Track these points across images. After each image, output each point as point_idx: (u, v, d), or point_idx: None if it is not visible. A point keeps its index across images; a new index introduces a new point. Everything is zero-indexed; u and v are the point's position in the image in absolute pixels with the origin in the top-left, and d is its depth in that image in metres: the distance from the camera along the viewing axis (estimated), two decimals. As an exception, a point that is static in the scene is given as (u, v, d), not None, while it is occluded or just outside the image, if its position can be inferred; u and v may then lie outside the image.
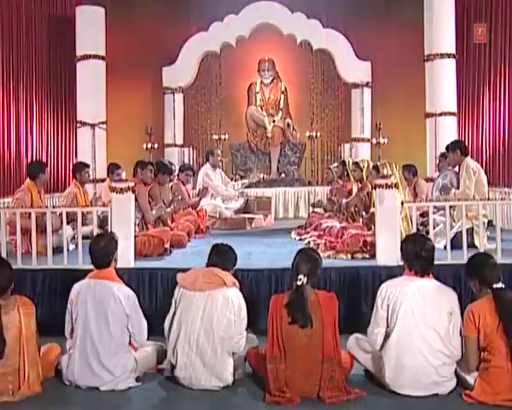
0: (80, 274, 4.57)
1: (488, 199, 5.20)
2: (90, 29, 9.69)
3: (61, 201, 7.35)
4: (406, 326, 3.20)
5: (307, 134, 10.73)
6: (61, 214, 5.96)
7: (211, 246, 3.77)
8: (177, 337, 3.42)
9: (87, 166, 7.64)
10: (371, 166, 5.89)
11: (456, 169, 6.18)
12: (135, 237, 5.02)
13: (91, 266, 4.61)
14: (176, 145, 10.60)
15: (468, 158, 5.78)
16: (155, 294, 4.63)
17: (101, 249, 3.51)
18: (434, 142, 9.60)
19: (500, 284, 3.19)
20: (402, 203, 4.71)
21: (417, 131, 10.20)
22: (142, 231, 5.51)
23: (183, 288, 3.48)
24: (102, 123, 9.83)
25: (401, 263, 4.56)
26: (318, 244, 5.76)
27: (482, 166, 9.49)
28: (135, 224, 5.27)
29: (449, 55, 9.54)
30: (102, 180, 9.35)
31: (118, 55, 10.35)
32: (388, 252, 4.61)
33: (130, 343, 3.53)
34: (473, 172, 5.57)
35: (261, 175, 10.60)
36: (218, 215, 8.37)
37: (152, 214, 5.54)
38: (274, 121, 10.78)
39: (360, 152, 10.41)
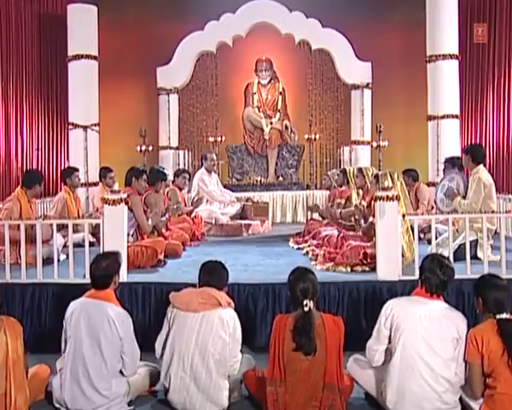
0: (71, 288, 4.60)
1: (492, 212, 5.14)
2: (82, 28, 9.58)
3: (52, 207, 7.31)
4: (409, 349, 3.16)
5: (306, 136, 10.68)
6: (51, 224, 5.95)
7: (201, 263, 3.70)
8: (170, 360, 3.37)
9: (76, 169, 7.61)
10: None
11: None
12: (128, 247, 4.98)
13: (83, 281, 4.63)
14: (171, 148, 10.53)
15: (481, 168, 5.62)
16: (148, 309, 4.59)
17: (103, 270, 3.46)
18: (436, 145, 9.57)
19: (504, 315, 3.13)
20: (403, 216, 4.67)
21: (419, 134, 10.18)
22: (136, 241, 5.46)
23: (177, 308, 3.44)
24: (95, 125, 9.76)
25: (403, 278, 4.60)
26: (317, 255, 5.73)
27: (485, 164, 9.57)
28: (128, 234, 5.23)
29: (451, 56, 9.49)
30: (95, 184, 9.31)
31: (111, 54, 10.29)
32: (389, 267, 4.59)
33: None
34: (484, 186, 5.45)
35: (258, 178, 10.57)
36: (213, 221, 8.33)
37: (148, 225, 5.49)
38: (271, 123, 10.74)
39: (360, 155, 10.38)
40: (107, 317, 3.34)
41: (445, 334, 3.20)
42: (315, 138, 10.66)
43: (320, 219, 7.77)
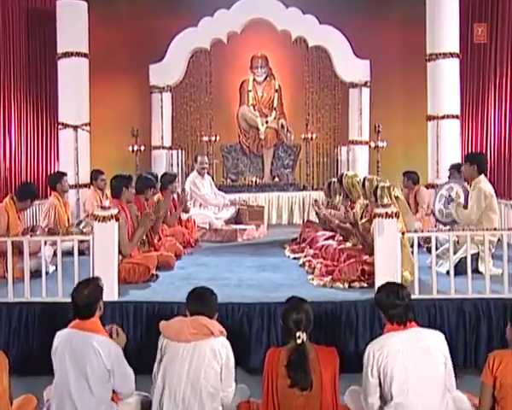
0: (60, 307, 4.54)
1: (495, 229, 5.09)
2: (72, 24, 9.47)
3: (43, 216, 7.22)
4: (402, 389, 3.09)
5: (302, 136, 10.61)
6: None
7: (190, 291, 3.62)
8: (161, 394, 3.31)
9: (65, 174, 7.52)
10: (365, 183, 5.79)
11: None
12: (119, 264, 4.92)
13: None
14: (163, 147, 10.44)
15: (482, 178, 5.55)
16: (140, 329, 4.53)
17: (85, 298, 3.38)
18: (436, 146, 9.52)
19: None
20: (403, 234, 4.61)
21: (418, 134, 10.13)
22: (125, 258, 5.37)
23: (167, 339, 3.37)
24: (85, 125, 9.66)
25: (402, 298, 4.55)
26: (314, 268, 5.68)
27: (486, 173, 9.51)
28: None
29: (452, 55, 9.43)
30: (86, 185, 9.23)
31: (102, 52, 10.16)
32: (388, 286, 4.52)
33: (113, 395, 3.42)
34: (484, 196, 5.40)
35: (253, 179, 10.51)
36: (208, 226, 8.28)
37: (130, 246, 5.33)
38: (267, 122, 10.68)
39: (358, 155, 10.33)
40: (93, 349, 3.27)
41: (431, 361, 3.14)
42: (311, 138, 10.60)
43: (317, 220, 7.69)
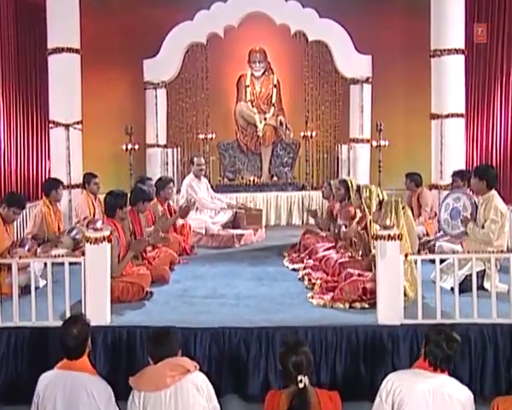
0: (50, 332, 4.47)
1: (502, 251, 5.00)
2: (63, 18, 9.21)
3: (30, 223, 7.12)
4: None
5: (301, 134, 10.50)
6: (29, 250, 5.78)
7: (147, 337, 3.56)
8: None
9: (61, 183, 7.40)
10: (365, 192, 5.69)
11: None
12: (111, 283, 4.83)
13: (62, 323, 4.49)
14: (158, 145, 10.32)
15: (495, 194, 5.44)
16: (134, 355, 4.45)
17: (75, 338, 3.31)
18: (440, 146, 9.40)
19: None
20: (406, 256, 4.53)
21: (421, 133, 10.02)
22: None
23: (145, 391, 3.25)
24: (77, 123, 9.49)
25: (405, 322, 4.49)
26: (314, 284, 5.62)
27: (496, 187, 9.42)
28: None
29: (457, 51, 9.28)
30: (78, 185, 9.11)
31: (94, 47, 10.01)
32: (390, 310, 4.46)
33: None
34: (501, 214, 5.32)
35: (251, 178, 10.42)
36: (204, 231, 8.19)
37: (119, 268, 5.23)
38: (265, 119, 10.56)
39: (359, 154, 10.22)
40: (86, 389, 3.21)
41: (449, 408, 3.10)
42: (311, 136, 10.49)
43: (317, 230, 7.62)
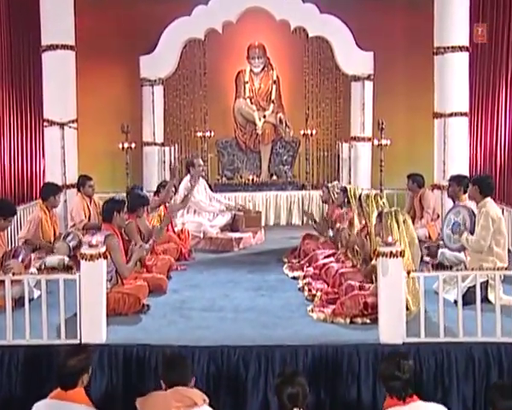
0: (45, 351, 4.43)
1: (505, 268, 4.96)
2: (58, 13, 9.12)
3: (24, 228, 7.07)
4: None
5: (301, 132, 10.41)
6: (23, 260, 5.72)
7: (162, 358, 3.51)
8: None
9: (61, 189, 7.33)
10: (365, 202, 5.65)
11: (470, 204, 5.97)
12: (108, 292, 4.80)
13: (57, 341, 4.45)
14: (155, 144, 10.23)
15: (489, 200, 5.47)
16: (130, 376, 4.41)
17: (71, 368, 3.28)
18: (443, 145, 9.33)
19: None
20: (408, 273, 4.48)
21: (423, 131, 9.95)
22: (115, 284, 5.25)
23: None
24: (73, 121, 9.42)
25: (407, 340, 4.45)
26: (314, 295, 5.58)
27: (496, 176, 9.39)
28: (106, 280, 5.02)
29: (461, 49, 9.18)
30: (73, 185, 9.04)
31: (89, 43, 9.85)
32: (392, 329, 4.42)
33: None
34: (492, 220, 5.31)
35: (250, 177, 10.35)
36: (202, 235, 8.14)
37: (128, 268, 5.25)
38: (265, 116, 10.48)
39: (360, 153, 10.14)
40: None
41: None
42: (311, 134, 10.40)
43: (316, 233, 7.57)
